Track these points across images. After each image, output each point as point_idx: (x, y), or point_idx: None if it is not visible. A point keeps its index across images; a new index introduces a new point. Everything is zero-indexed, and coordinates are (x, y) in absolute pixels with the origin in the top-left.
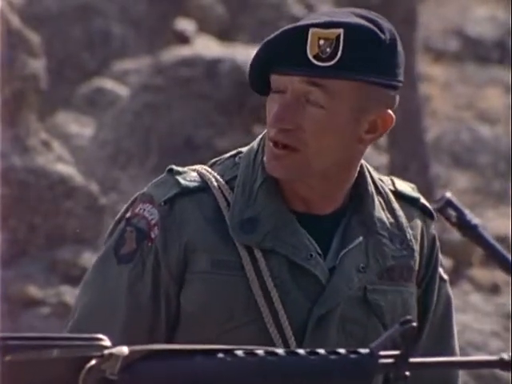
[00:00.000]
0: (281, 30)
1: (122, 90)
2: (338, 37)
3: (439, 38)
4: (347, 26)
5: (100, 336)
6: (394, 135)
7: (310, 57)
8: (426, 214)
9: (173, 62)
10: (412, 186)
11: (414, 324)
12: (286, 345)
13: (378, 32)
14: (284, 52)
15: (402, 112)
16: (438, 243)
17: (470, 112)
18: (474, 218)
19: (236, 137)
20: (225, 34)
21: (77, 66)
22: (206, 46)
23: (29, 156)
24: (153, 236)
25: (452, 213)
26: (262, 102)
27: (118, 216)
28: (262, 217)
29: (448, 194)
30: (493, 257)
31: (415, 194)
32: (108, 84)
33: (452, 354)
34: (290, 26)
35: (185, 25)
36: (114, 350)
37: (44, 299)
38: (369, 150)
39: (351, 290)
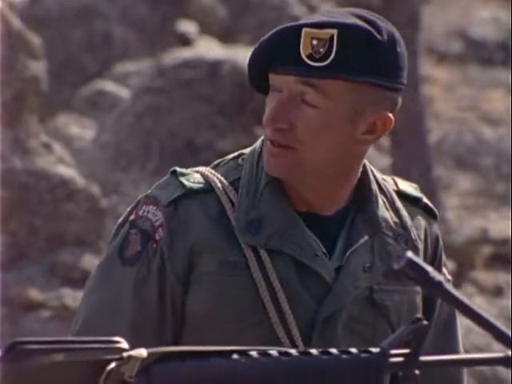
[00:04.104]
0: (276, 29)
1: (124, 92)
2: (332, 37)
3: (442, 40)
4: (341, 26)
5: (118, 339)
6: (397, 137)
7: (304, 57)
8: (428, 213)
9: (174, 64)
10: (414, 185)
11: (425, 322)
12: (293, 345)
13: (374, 32)
14: (279, 51)
15: (404, 114)
16: (441, 243)
17: (472, 114)
18: (437, 275)
19: (237, 139)
20: (226, 36)
21: (78, 68)
22: (208, 48)
23: (29, 158)
24: (157, 238)
25: (414, 271)
26: (264, 103)
27: (122, 219)
28: (267, 217)
29: (409, 254)
30: (464, 311)
31: (418, 193)
32: (109, 86)
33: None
34: (284, 25)
35: (186, 27)
36: (133, 353)
37: (45, 302)
38: (371, 152)
39: (357, 290)
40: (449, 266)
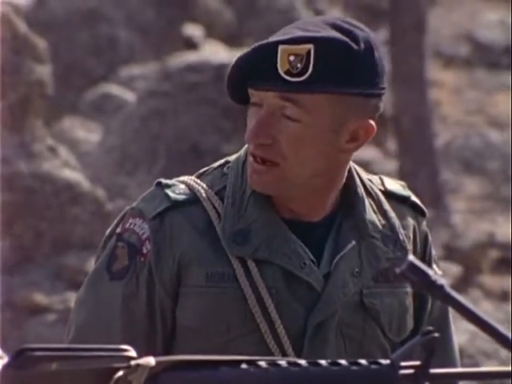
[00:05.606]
0: (252, 46)
1: (129, 96)
2: (309, 52)
3: (449, 43)
4: (317, 41)
5: (126, 347)
6: (404, 141)
7: (281, 73)
8: (417, 211)
9: (180, 67)
10: (402, 183)
11: (436, 335)
12: (284, 355)
13: (351, 43)
14: (256, 68)
15: (411, 118)
16: (430, 240)
17: (479, 117)
18: (439, 278)
19: (242, 142)
20: (232, 40)
21: (83, 71)
22: (214, 52)
23: (35, 162)
24: (144, 251)
25: (416, 275)
26: None
27: (109, 231)
28: (253, 227)
29: (410, 257)
30: (465, 314)
31: (405, 192)
32: (115, 90)
33: (451, 356)
34: (260, 42)
35: (192, 30)
36: (141, 361)
37: (50, 306)
38: (378, 156)
39: (346, 297)
40: (456, 270)
